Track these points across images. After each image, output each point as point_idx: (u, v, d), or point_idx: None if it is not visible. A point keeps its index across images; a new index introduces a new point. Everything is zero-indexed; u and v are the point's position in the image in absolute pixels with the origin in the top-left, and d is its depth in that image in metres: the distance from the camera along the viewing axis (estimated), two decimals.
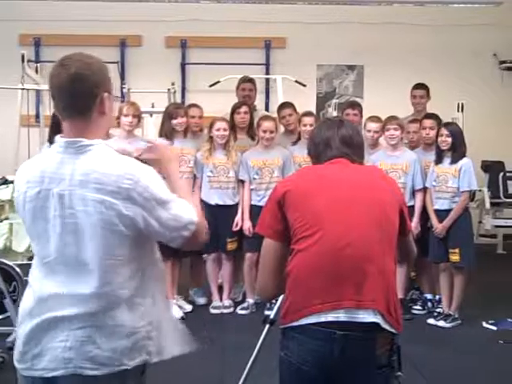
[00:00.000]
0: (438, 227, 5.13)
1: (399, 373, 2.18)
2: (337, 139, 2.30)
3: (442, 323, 5.15)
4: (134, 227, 1.92)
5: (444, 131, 5.17)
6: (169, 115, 5.40)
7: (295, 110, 5.74)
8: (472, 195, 5.40)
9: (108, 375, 1.93)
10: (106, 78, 2.02)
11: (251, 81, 6.37)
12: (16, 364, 2.04)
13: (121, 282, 1.94)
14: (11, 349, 2.20)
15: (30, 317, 2.00)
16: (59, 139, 1.99)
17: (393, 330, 2.15)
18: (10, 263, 4.71)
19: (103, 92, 1.99)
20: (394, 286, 2.21)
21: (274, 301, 5.18)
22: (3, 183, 5.01)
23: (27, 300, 2.04)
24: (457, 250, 5.09)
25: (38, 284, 2.02)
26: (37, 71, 7.13)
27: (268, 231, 2.25)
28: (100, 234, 1.90)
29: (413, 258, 2.58)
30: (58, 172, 1.94)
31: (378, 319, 2.10)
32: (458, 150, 5.16)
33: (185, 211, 1.98)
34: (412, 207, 5.24)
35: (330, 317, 2.08)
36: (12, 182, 4.87)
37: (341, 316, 2.08)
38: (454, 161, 5.16)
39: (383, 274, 2.14)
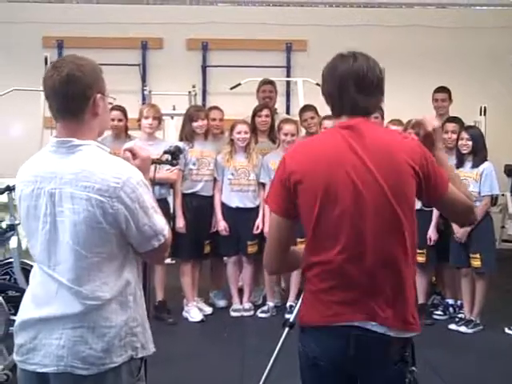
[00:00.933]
0: (459, 232, 5.09)
1: (413, 368, 2.15)
2: (351, 81, 2.12)
3: (463, 329, 5.10)
4: (117, 225, 1.97)
5: (464, 135, 5.14)
6: (189, 118, 5.41)
7: (317, 112, 5.73)
8: (494, 200, 5.34)
9: (98, 374, 1.98)
10: (98, 79, 2.06)
11: (271, 83, 6.37)
12: (14, 356, 2.10)
13: (105, 280, 1.99)
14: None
15: (28, 311, 2.06)
16: (52, 139, 2.05)
17: (410, 335, 2.13)
18: (33, 264, 4.75)
19: (96, 93, 2.03)
20: (412, 291, 2.16)
21: (293, 304, 5.20)
22: None
23: (26, 295, 2.11)
24: (478, 256, 5.05)
25: (33, 281, 2.09)
26: None
27: (273, 206, 2.21)
28: (85, 232, 1.95)
29: (469, 212, 2.26)
30: (50, 171, 1.99)
31: (392, 333, 2.08)
32: (478, 153, 5.12)
33: (160, 222, 2.05)
34: (431, 212, 5.23)
35: (345, 324, 2.08)
36: None
37: (355, 324, 2.08)
38: (475, 165, 5.12)
39: (399, 283, 2.10)
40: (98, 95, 2.03)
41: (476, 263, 5.06)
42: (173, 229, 5.02)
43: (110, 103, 2.15)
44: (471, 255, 5.07)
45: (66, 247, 1.97)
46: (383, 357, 2.09)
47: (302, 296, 2.27)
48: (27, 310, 2.06)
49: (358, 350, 2.06)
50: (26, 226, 2.08)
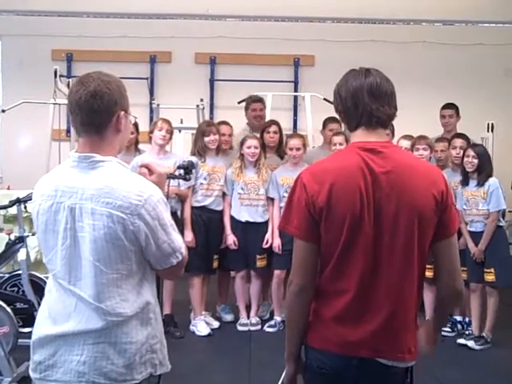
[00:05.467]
0: (476, 251, 5.11)
1: None
2: (364, 92, 2.10)
3: (471, 343, 5.08)
4: (137, 243, 1.97)
5: (470, 152, 5.15)
6: (201, 133, 5.43)
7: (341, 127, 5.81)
8: (502, 215, 5.34)
9: None
10: (123, 96, 2.07)
11: (261, 100, 6.33)
12: (31, 373, 2.08)
13: (125, 297, 1.99)
14: None
15: (45, 327, 2.04)
16: (73, 154, 2.05)
17: (411, 364, 2.14)
18: (41, 276, 4.76)
19: (120, 110, 2.05)
20: (416, 319, 2.15)
21: None
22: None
23: (42, 311, 2.09)
24: (492, 270, 5.07)
25: (49, 297, 2.08)
26: (68, 86, 7.20)
27: (297, 232, 2.09)
28: (105, 248, 1.95)
29: (455, 284, 2.15)
30: (71, 186, 1.99)
31: (396, 363, 2.09)
32: (483, 171, 5.14)
33: (178, 240, 2.06)
34: None
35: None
36: None
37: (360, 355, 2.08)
38: (479, 183, 5.14)
39: (407, 317, 2.10)
40: (122, 112, 2.05)
41: (490, 277, 5.08)
42: None
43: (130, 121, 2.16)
44: (485, 270, 5.08)
45: (86, 263, 1.97)
46: (386, 374, 2.09)
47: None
48: (44, 326, 2.05)
49: (361, 361, 2.06)
50: (43, 240, 2.06)
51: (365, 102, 2.10)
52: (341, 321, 2.06)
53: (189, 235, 5.28)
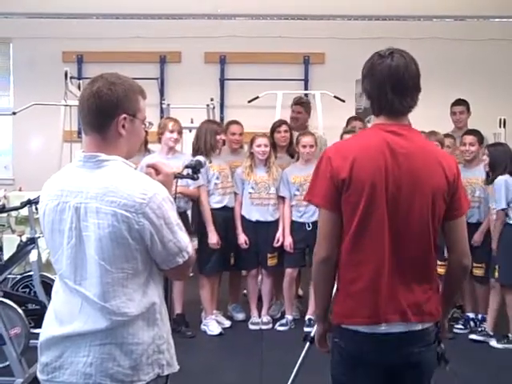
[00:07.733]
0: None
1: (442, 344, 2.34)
2: (387, 86, 2.22)
3: (493, 343, 5.06)
4: (142, 242, 1.96)
5: (485, 151, 5.21)
6: (214, 132, 5.41)
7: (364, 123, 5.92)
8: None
9: None
10: (129, 100, 2.03)
11: (301, 104, 6.43)
12: (38, 375, 2.08)
13: (130, 296, 1.98)
14: None
15: (52, 329, 2.04)
16: (79, 154, 2.05)
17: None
18: (52, 277, 4.78)
19: (123, 113, 2.01)
20: (433, 285, 2.27)
21: (312, 318, 5.18)
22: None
23: (49, 312, 2.09)
24: (496, 267, 5.07)
25: (56, 298, 2.08)
26: (79, 88, 7.24)
27: (322, 202, 2.25)
28: (110, 247, 1.94)
29: (463, 257, 2.32)
30: (76, 185, 1.99)
31: (425, 326, 2.24)
32: (495, 170, 5.13)
33: (185, 239, 2.05)
34: None
35: (379, 329, 2.20)
36: None
37: (393, 328, 2.20)
38: (490, 180, 5.16)
39: (423, 283, 2.24)
40: (123, 115, 2.01)
41: (495, 273, 5.09)
42: (200, 244, 5.11)
43: (144, 124, 2.11)
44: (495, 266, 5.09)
45: (91, 262, 1.96)
46: (423, 344, 2.25)
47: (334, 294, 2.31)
48: (51, 327, 2.04)
49: (387, 337, 2.20)
50: (50, 240, 2.06)
51: (387, 95, 2.23)
52: (365, 292, 2.19)
53: (213, 237, 5.24)
